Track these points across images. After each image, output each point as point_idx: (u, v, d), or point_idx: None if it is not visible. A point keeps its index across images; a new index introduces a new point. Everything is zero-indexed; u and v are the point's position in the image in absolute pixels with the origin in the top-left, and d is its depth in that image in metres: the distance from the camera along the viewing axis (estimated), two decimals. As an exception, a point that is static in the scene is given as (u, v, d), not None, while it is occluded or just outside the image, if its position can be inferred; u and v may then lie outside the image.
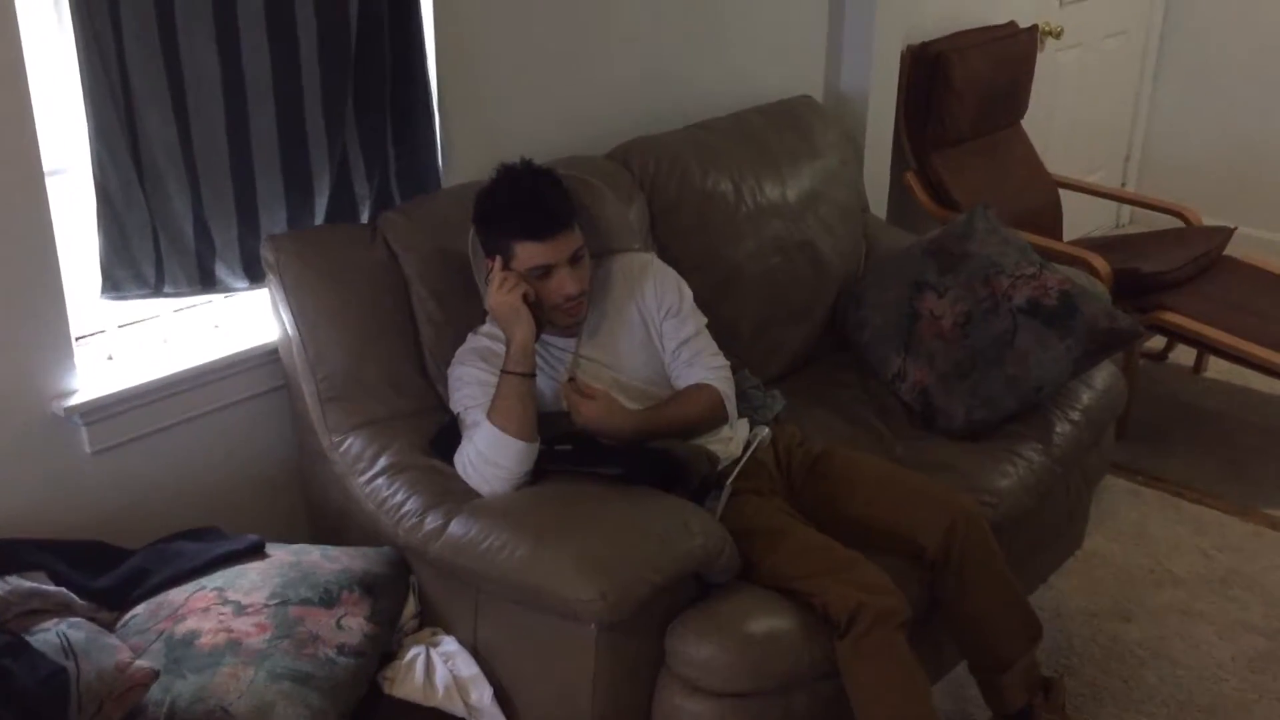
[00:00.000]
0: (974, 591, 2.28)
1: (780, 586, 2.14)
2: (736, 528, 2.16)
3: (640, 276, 2.42)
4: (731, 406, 2.39)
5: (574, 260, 2.23)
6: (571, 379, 2.28)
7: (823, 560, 2.15)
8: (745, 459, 2.35)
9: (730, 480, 2.27)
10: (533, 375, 2.19)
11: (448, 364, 2.33)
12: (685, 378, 2.37)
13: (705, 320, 2.46)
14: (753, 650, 2.03)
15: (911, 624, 2.16)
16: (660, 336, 2.39)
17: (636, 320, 2.39)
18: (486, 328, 2.33)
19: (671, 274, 2.46)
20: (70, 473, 2.20)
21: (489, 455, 2.15)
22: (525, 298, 2.19)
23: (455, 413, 2.28)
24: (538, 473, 2.20)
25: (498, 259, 2.22)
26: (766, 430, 2.47)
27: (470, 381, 2.25)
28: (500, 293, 2.20)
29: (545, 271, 2.21)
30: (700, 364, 2.38)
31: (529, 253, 2.19)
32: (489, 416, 2.16)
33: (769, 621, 2.08)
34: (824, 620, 2.09)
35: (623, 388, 2.33)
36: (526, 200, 2.21)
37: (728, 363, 2.44)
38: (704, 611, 2.08)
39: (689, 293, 2.45)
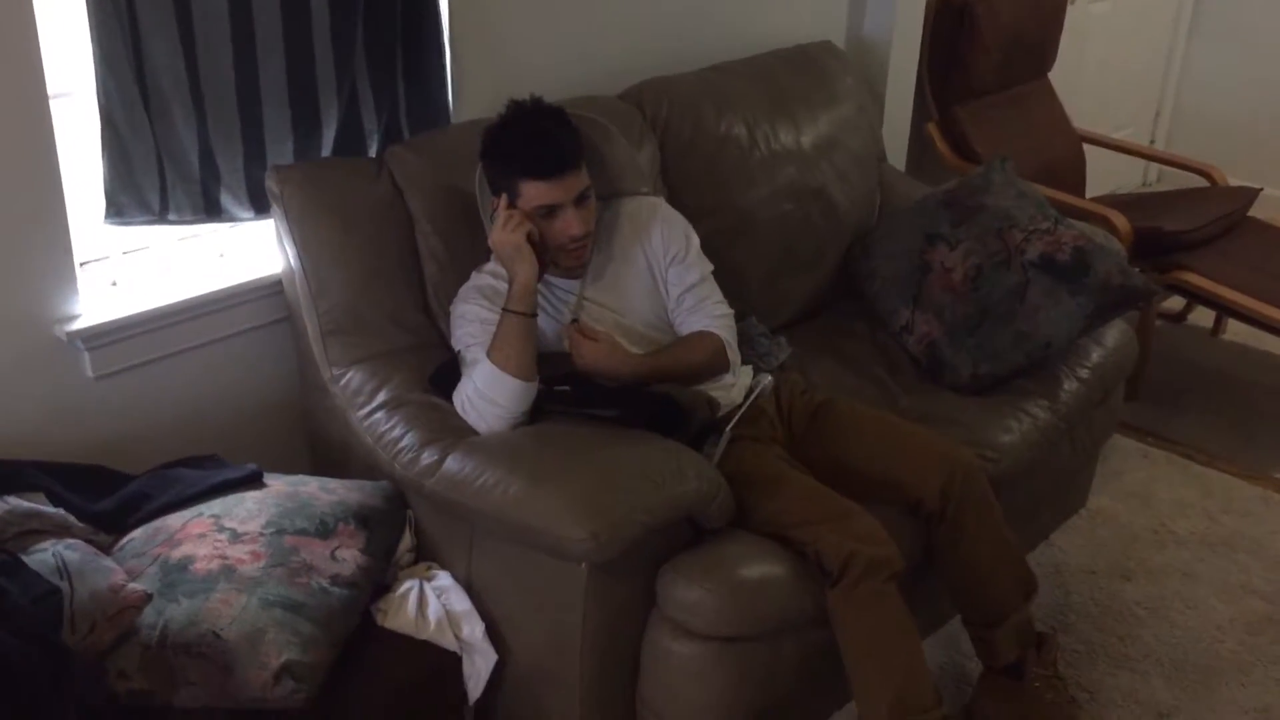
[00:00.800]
0: (970, 545, 2.28)
1: (774, 534, 2.14)
2: (734, 474, 2.16)
3: (648, 221, 2.40)
4: (734, 354, 2.38)
5: (580, 201, 2.21)
6: (575, 320, 2.27)
7: (818, 508, 2.15)
8: (746, 406, 2.34)
9: (730, 427, 2.26)
10: (534, 315, 2.19)
11: (450, 301, 2.32)
12: (689, 324, 2.36)
13: (711, 267, 2.44)
14: (742, 595, 2.04)
15: (907, 576, 2.16)
16: (665, 282, 2.37)
17: (642, 264, 2.37)
18: (490, 266, 2.32)
19: (679, 219, 2.44)
20: (72, 397, 2.21)
21: (487, 393, 2.15)
22: (529, 237, 2.18)
23: (456, 350, 2.28)
24: (535, 412, 2.20)
25: (503, 196, 2.21)
26: (769, 378, 2.46)
27: (472, 319, 2.25)
28: (504, 231, 2.18)
29: (550, 211, 2.20)
30: (703, 311, 2.36)
31: (535, 191, 2.18)
32: (489, 355, 2.16)
33: (760, 567, 2.08)
34: (817, 568, 2.09)
35: (625, 331, 2.32)
36: (535, 138, 2.19)
37: (731, 311, 2.42)
38: (695, 555, 2.08)
39: (695, 239, 2.43)
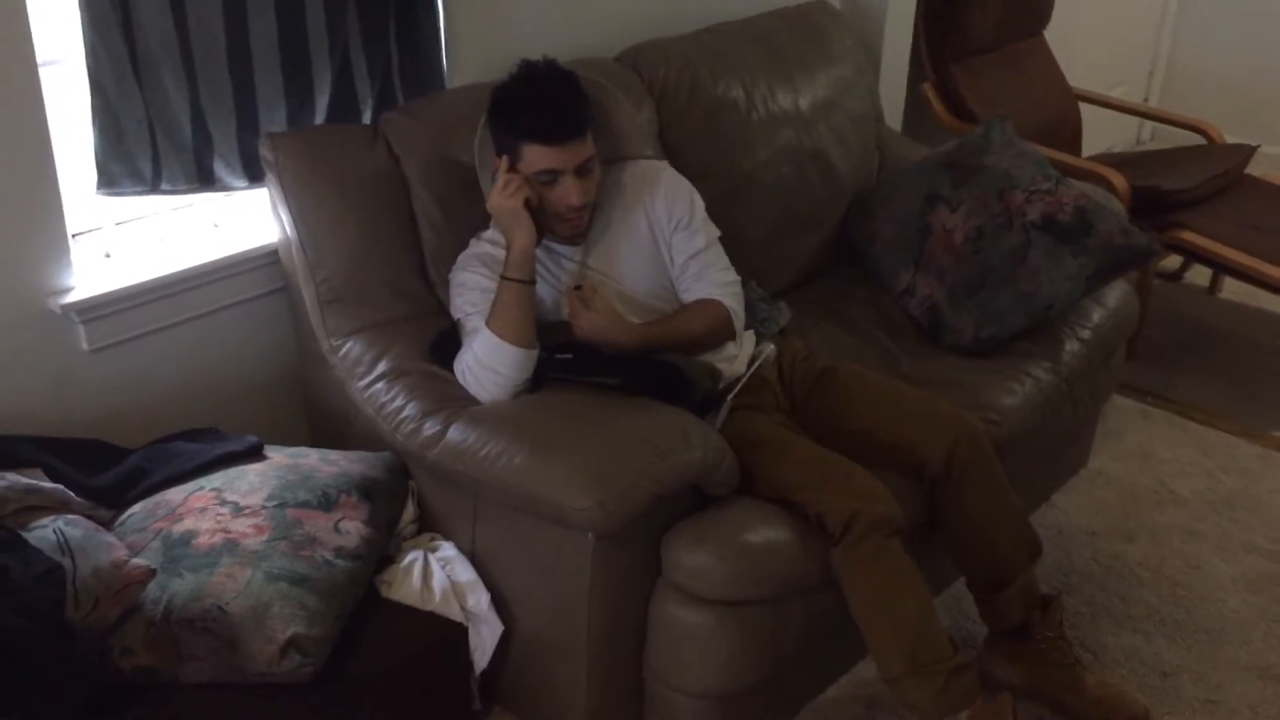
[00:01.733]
0: (974, 508, 2.27)
1: (777, 498, 2.13)
2: (735, 440, 2.14)
3: (651, 185, 2.36)
4: (739, 323, 2.35)
5: (581, 170, 2.17)
6: (578, 287, 2.25)
7: (818, 471, 2.14)
8: (748, 376, 2.32)
9: (731, 396, 2.25)
10: (532, 282, 2.16)
11: (449, 268, 2.29)
12: (693, 291, 2.33)
13: (718, 233, 2.40)
14: (747, 558, 2.03)
15: (911, 539, 2.16)
16: (669, 249, 2.34)
17: (644, 230, 2.34)
18: (489, 233, 2.29)
19: (684, 184, 2.40)
20: (68, 370, 2.18)
21: (487, 362, 2.13)
22: (528, 203, 2.15)
23: (456, 319, 2.25)
24: (538, 380, 2.18)
25: (504, 159, 2.17)
26: (771, 347, 2.44)
27: (471, 287, 2.22)
28: (502, 195, 2.15)
29: (551, 178, 2.16)
30: (708, 278, 2.33)
31: (537, 155, 2.14)
32: (488, 323, 2.13)
33: (765, 531, 2.08)
34: (820, 529, 2.09)
35: (626, 299, 2.30)
36: (542, 101, 2.14)
37: (738, 279, 2.39)
38: (700, 520, 2.07)
39: (701, 204, 2.39)
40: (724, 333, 2.32)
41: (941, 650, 2.08)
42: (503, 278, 2.14)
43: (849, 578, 2.09)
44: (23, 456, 2.02)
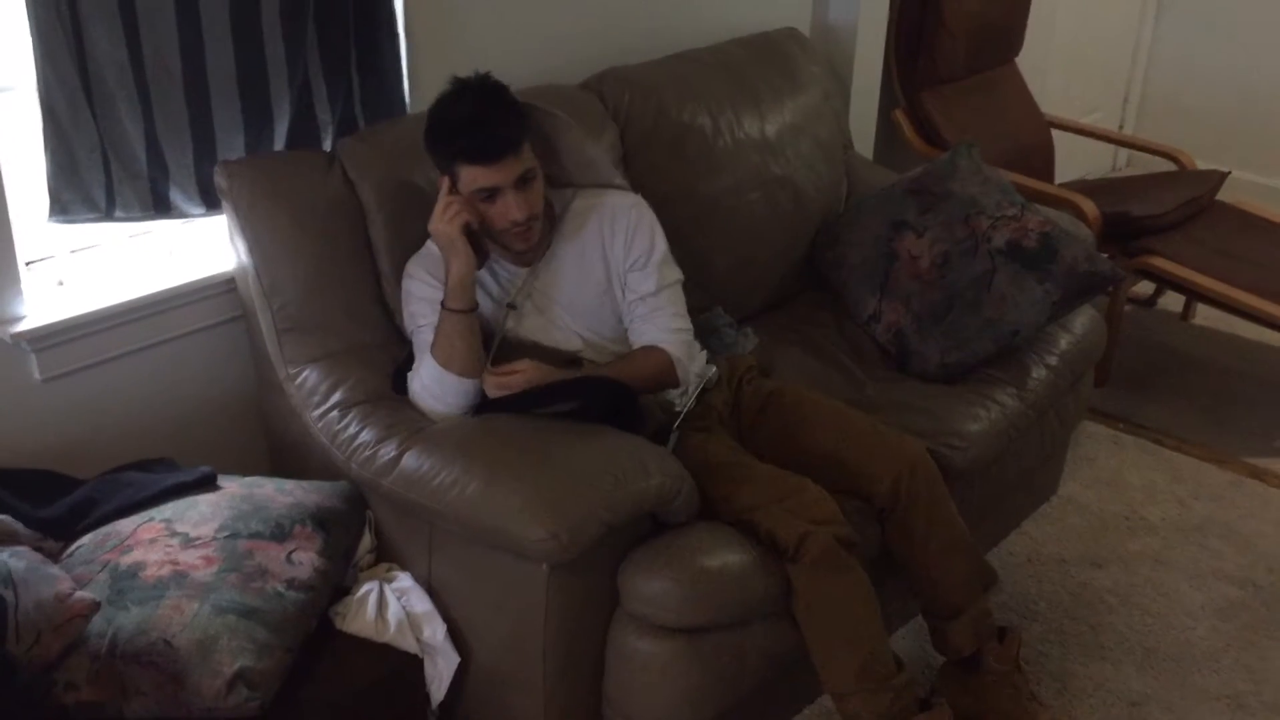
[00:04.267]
0: (920, 539, 2.25)
1: (732, 520, 2.12)
2: (688, 464, 2.12)
3: (615, 219, 2.29)
4: (683, 372, 2.27)
5: (521, 183, 2.13)
6: (494, 363, 2.18)
7: (770, 490, 2.13)
8: (692, 402, 2.30)
9: (677, 424, 2.24)
10: (472, 309, 2.13)
11: (405, 294, 2.28)
12: (638, 334, 2.27)
13: (679, 276, 2.33)
14: (704, 582, 2.01)
15: (878, 566, 2.16)
16: (624, 287, 2.28)
17: (598, 268, 2.28)
18: None
19: (647, 223, 2.31)
20: (19, 400, 2.16)
21: (434, 390, 2.13)
22: (468, 227, 2.12)
23: (407, 330, 2.24)
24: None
25: (445, 179, 2.15)
26: (714, 370, 2.41)
27: (419, 297, 2.20)
28: (441, 220, 2.12)
29: (490, 195, 2.12)
30: (655, 323, 2.26)
31: (472, 175, 2.11)
32: (431, 351, 2.12)
33: (722, 554, 2.06)
34: (771, 547, 2.08)
35: (562, 326, 2.27)
36: (471, 122, 2.10)
37: (690, 326, 2.32)
38: (654, 547, 2.05)
39: (662, 245, 2.30)
40: (667, 381, 2.26)
41: (888, 667, 2.09)
42: (443, 306, 2.12)
43: (802, 594, 2.08)
44: (-30, 487, 2.00)
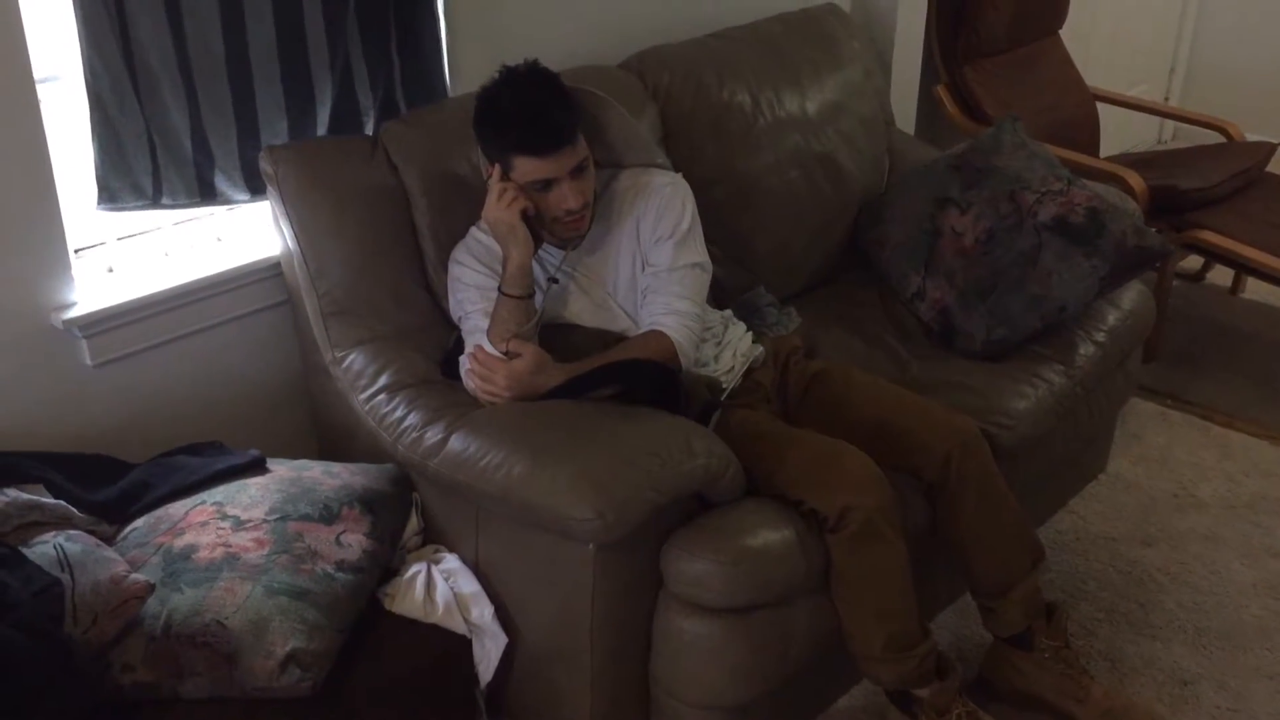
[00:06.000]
0: (971, 516, 2.24)
1: (774, 493, 2.12)
2: (731, 439, 2.12)
3: (650, 196, 2.27)
4: (685, 359, 2.20)
5: (576, 173, 2.13)
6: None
7: (811, 462, 2.12)
8: (738, 379, 2.30)
9: (724, 398, 2.24)
10: (531, 295, 2.14)
11: (450, 277, 2.28)
12: (645, 311, 2.23)
13: (700, 259, 2.27)
14: (747, 561, 2.00)
15: (917, 543, 2.14)
16: (645, 257, 2.26)
17: (631, 237, 2.27)
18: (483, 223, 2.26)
19: (680, 200, 2.27)
20: (71, 386, 2.18)
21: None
22: (525, 213, 2.13)
23: (455, 316, 2.24)
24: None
25: (496, 167, 2.15)
26: (760, 349, 2.40)
27: (468, 284, 2.21)
28: (498, 208, 2.12)
29: (546, 185, 2.13)
30: (661, 302, 2.20)
31: (528, 166, 2.10)
32: (489, 335, 2.12)
33: (764, 532, 2.05)
34: (812, 517, 2.08)
35: (605, 305, 2.27)
36: (527, 112, 2.09)
37: (697, 311, 2.25)
38: (695, 527, 2.05)
39: (688, 225, 2.26)
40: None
41: (914, 636, 2.12)
42: (501, 292, 2.13)
43: (839, 564, 2.09)
44: (25, 472, 2.02)
